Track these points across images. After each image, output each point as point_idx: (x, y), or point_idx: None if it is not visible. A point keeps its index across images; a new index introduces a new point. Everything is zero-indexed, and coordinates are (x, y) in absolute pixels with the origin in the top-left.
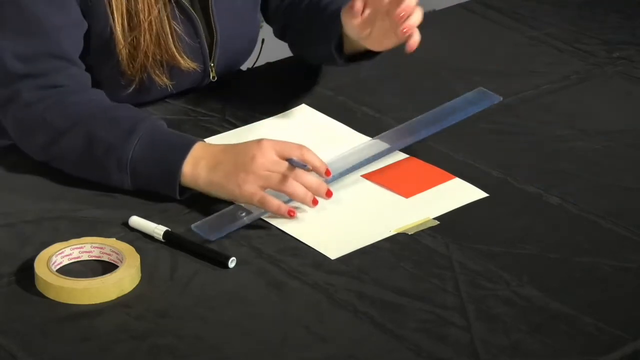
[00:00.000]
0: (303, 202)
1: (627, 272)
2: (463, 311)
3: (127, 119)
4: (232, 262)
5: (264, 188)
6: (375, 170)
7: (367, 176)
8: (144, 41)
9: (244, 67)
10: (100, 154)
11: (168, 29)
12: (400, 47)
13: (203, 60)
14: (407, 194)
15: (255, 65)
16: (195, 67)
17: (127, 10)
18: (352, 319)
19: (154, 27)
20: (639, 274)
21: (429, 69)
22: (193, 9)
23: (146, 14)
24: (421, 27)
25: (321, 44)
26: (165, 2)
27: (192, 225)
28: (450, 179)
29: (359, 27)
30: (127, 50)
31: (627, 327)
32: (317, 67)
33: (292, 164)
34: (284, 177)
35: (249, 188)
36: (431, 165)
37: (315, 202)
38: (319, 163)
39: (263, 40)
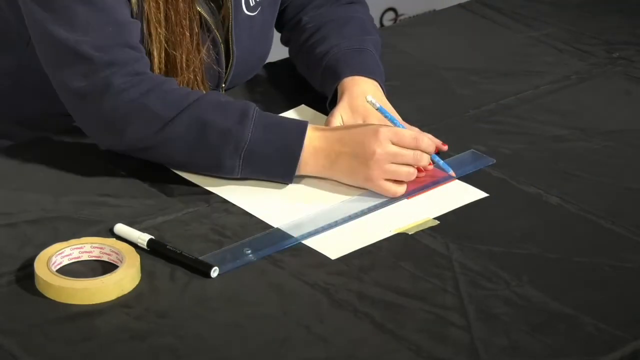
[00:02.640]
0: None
1: (627, 272)
2: (463, 311)
3: (231, 103)
4: (214, 272)
5: (386, 178)
6: None
7: None
8: (181, 71)
9: None
10: (214, 139)
11: (198, 61)
12: (401, 48)
13: (217, 83)
14: (407, 195)
15: None
16: (213, 88)
17: (165, 34)
18: (352, 319)
19: (190, 53)
20: (638, 274)
21: (429, 69)
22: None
23: (184, 40)
24: (421, 27)
25: (317, 86)
26: (199, 27)
27: (200, 257)
28: (450, 180)
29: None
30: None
31: (627, 327)
32: None
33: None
34: (406, 166)
35: (375, 181)
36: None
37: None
38: (432, 148)
39: None
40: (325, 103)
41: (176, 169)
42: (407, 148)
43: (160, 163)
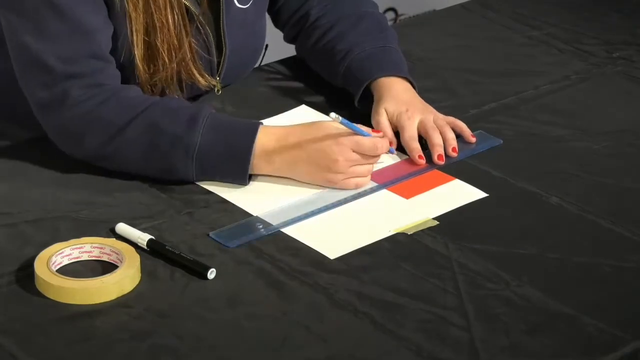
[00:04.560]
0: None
1: (627, 272)
2: (463, 311)
3: (184, 108)
4: (211, 274)
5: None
6: (375, 171)
7: None
8: (167, 60)
9: None
10: (165, 145)
11: (187, 47)
12: (401, 48)
13: (211, 75)
14: (407, 195)
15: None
16: (214, 83)
17: (146, 24)
18: (352, 319)
19: (173, 42)
20: (638, 274)
21: (429, 69)
22: (207, 26)
23: (165, 29)
24: (421, 27)
25: (338, 84)
26: (184, 17)
27: (211, 233)
28: (450, 180)
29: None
30: (145, 70)
31: (627, 327)
32: None
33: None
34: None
35: (338, 183)
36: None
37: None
38: (386, 148)
39: (266, 46)
40: (326, 104)
41: (137, 174)
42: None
43: (121, 171)
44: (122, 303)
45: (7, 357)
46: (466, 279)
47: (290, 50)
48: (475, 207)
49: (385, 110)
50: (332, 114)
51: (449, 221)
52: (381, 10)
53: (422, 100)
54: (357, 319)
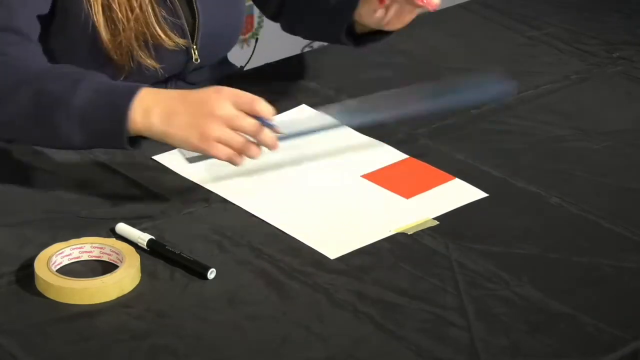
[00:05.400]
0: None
1: (626, 272)
2: (463, 311)
3: (72, 73)
4: (211, 274)
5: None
6: (375, 171)
7: (367, 177)
8: (123, 18)
9: (237, 63)
10: (48, 107)
11: (149, 6)
12: (401, 48)
13: (187, 57)
14: (407, 195)
15: (250, 63)
16: (182, 43)
17: None
18: (352, 319)
19: (133, 4)
20: (638, 274)
21: (429, 69)
22: None
23: None
24: (421, 27)
25: (328, 31)
26: None
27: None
28: (450, 179)
29: (380, 15)
30: (107, 31)
31: (627, 327)
32: (317, 67)
33: (262, 122)
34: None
35: (209, 141)
36: (431, 166)
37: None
38: (270, 113)
39: (257, 39)
40: (326, 104)
41: (27, 144)
42: (246, 112)
43: (13, 142)
44: (122, 303)
45: (7, 357)
46: (466, 279)
47: (290, 51)
48: (476, 207)
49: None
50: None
51: (449, 221)
52: None
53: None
54: (357, 319)
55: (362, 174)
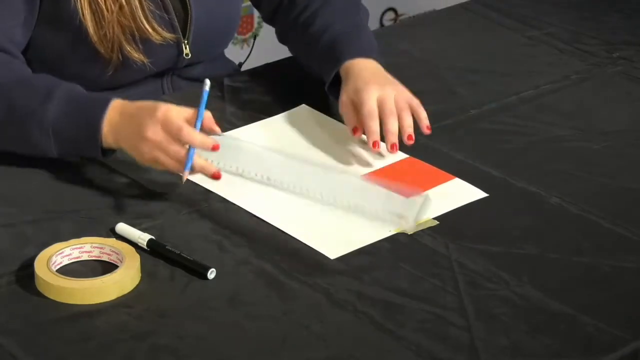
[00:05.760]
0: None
1: (626, 272)
2: (463, 311)
3: (43, 85)
4: (211, 274)
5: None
6: (375, 171)
7: (367, 176)
8: (108, 11)
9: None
10: (20, 121)
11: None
12: (401, 48)
13: (178, 51)
14: (407, 195)
15: (249, 62)
16: (170, 38)
17: None
18: (352, 319)
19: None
20: (638, 274)
21: (429, 69)
22: None
23: None
24: (421, 27)
25: (316, 71)
26: None
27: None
28: (450, 179)
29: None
30: (94, 24)
31: (627, 327)
32: None
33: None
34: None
35: (147, 164)
36: (431, 166)
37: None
38: (195, 142)
39: (255, 37)
40: (326, 104)
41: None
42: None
43: None
44: (122, 303)
45: (7, 357)
46: (466, 279)
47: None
48: (476, 207)
49: (345, 91)
50: (207, 80)
51: (449, 221)
52: (381, 10)
53: (387, 75)
54: (357, 319)
55: (362, 173)
